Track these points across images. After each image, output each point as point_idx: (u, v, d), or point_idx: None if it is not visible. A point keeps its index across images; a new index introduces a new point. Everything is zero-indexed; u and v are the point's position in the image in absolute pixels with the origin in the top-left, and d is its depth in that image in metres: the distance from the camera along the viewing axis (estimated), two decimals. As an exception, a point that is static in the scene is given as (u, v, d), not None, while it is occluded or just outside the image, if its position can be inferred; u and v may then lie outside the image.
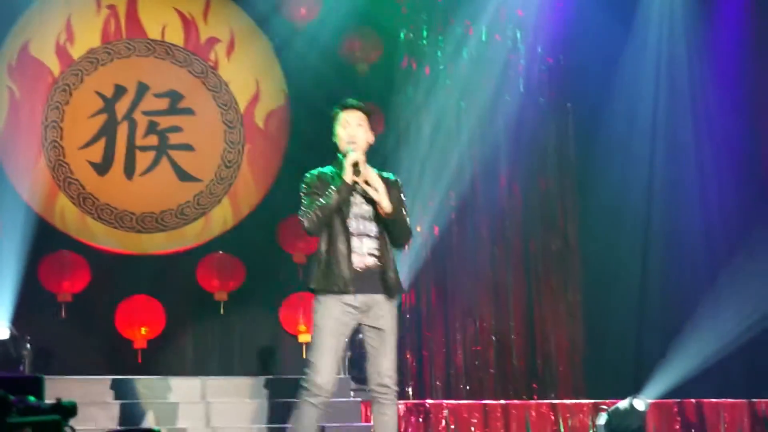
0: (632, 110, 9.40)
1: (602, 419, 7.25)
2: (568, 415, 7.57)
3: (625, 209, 9.26)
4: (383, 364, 4.69)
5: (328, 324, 4.66)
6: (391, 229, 4.75)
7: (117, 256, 8.55)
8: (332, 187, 4.67)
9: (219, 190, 8.86)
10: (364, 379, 7.59)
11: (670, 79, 9.49)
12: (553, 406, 7.63)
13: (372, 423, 4.78)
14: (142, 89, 8.79)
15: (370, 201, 4.74)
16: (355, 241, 4.70)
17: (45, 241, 8.22)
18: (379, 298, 4.72)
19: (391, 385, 4.72)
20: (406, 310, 8.84)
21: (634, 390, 7.56)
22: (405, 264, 8.78)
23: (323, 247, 4.71)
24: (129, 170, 8.69)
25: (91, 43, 8.71)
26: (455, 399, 8.18)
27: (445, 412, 7.43)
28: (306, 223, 4.69)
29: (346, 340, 4.78)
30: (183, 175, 8.78)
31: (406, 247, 4.90)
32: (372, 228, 4.75)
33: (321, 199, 4.67)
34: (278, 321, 8.61)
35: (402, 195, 4.84)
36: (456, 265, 9.14)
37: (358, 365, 7.46)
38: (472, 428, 7.41)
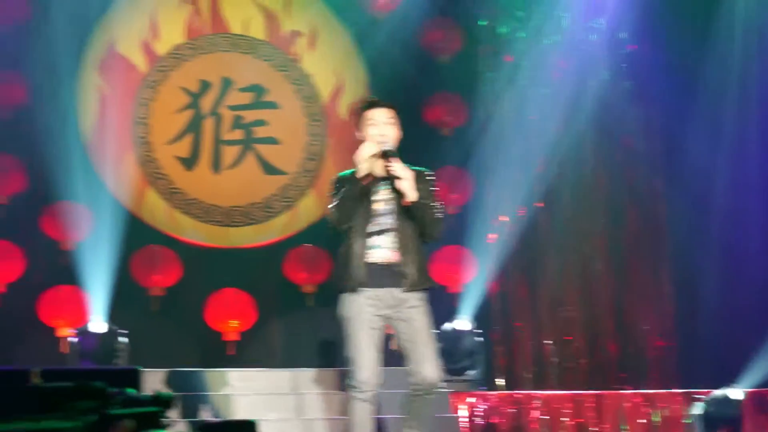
0: (720, 94, 9.18)
1: (698, 409, 7.12)
2: (663, 405, 7.44)
3: (714, 196, 9.06)
4: (425, 367, 4.64)
5: (357, 319, 4.67)
6: (419, 222, 4.71)
7: (205, 249, 8.63)
8: (345, 186, 4.69)
9: (304, 182, 8.90)
10: (451, 370, 7.62)
11: (760, 62, 9.23)
12: (646, 396, 7.51)
13: (407, 406, 4.72)
14: (227, 84, 8.87)
15: (396, 193, 4.70)
16: (372, 238, 4.69)
17: (135, 236, 8.33)
18: (399, 292, 4.68)
19: (437, 384, 4.68)
20: (492, 301, 8.79)
21: (730, 379, 7.39)
22: (491, 254, 8.73)
23: (344, 244, 4.74)
24: (216, 164, 8.78)
25: (175, 39, 8.81)
26: (545, 390, 8.09)
27: (537, 403, 7.36)
28: (330, 219, 4.75)
29: (381, 333, 4.74)
30: (269, 168, 8.85)
31: (436, 238, 4.80)
32: (392, 222, 4.71)
33: (339, 195, 4.70)
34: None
35: (432, 188, 4.79)
36: (543, 254, 9.05)
37: (443, 356, 7.40)
38: (565, 419, 7.33)
